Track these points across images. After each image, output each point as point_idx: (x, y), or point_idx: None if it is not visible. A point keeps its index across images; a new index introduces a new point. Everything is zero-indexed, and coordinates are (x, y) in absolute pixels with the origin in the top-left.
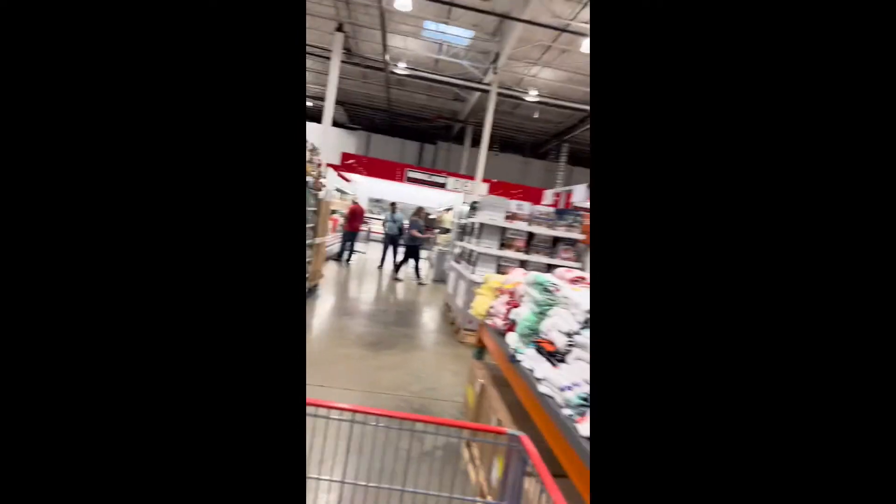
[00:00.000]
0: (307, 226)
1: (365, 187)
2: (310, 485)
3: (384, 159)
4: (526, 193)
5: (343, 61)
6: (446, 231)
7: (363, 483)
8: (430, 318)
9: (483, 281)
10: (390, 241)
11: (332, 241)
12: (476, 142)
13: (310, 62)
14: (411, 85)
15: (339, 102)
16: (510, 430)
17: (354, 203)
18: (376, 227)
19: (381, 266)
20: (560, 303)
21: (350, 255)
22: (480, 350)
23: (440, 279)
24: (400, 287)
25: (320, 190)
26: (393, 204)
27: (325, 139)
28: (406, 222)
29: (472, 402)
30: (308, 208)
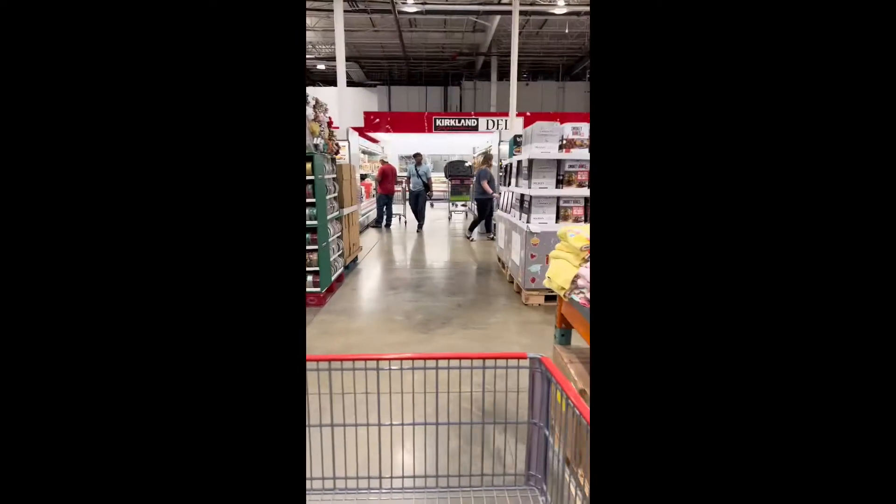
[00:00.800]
0: (329, 196)
1: (394, 145)
2: (353, 432)
3: (408, 112)
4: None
5: (347, 10)
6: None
7: (398, 423)
8: (482, 280)
9: (559, 238)
10: (415, 198)
11: (369, 208)
12: (503, 75)
13: (313, 18)
14: (424, 23)
15: (352, 59)
16: (531, 354)
17: (384, 163)
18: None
19: (419, 228)
20: None
21: (388, 220)
22: (565, 332)
23: (468, 235)
24: (443, 247)
25: (336, 153)
26: (417, 155)
27: (341, 99)
28: (431, 175)
29: (564, 408)
30: (326, 175)
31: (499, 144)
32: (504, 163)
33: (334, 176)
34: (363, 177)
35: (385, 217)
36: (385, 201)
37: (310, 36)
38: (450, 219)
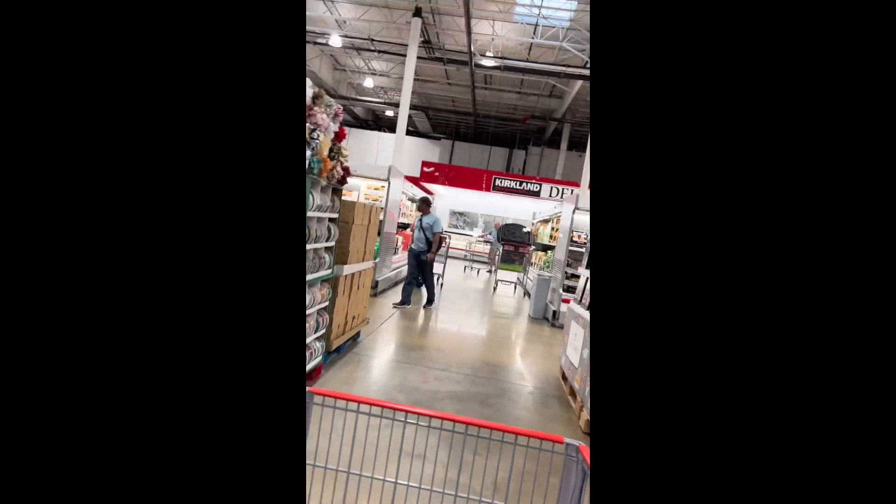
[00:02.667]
0: (317, 242)
1: (447, 199)
2: (368, 484)
3: (468, 167)
4: None
5: (421, 57)
6: (545, 248)
7: (416, 485)
8: (537, 411)
9: None
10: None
11: (401, 263)
12: (574, 145)
13: (389, 64)
14: (500, 81)
15: (420, 108)
16: (568, 439)
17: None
18: (457, 242)
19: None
20: None
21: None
22: None
23: (542, 316)
24: (481, 335)
25: (343, 181)
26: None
27: (399, 145)
28: (441, 228)
29: None
30: (315, 213)
31: (573, 213)
32: (583, 236)
33: (334, 216)
34: (403, 226)
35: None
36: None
37: (383, 81)
38: (494, 289)
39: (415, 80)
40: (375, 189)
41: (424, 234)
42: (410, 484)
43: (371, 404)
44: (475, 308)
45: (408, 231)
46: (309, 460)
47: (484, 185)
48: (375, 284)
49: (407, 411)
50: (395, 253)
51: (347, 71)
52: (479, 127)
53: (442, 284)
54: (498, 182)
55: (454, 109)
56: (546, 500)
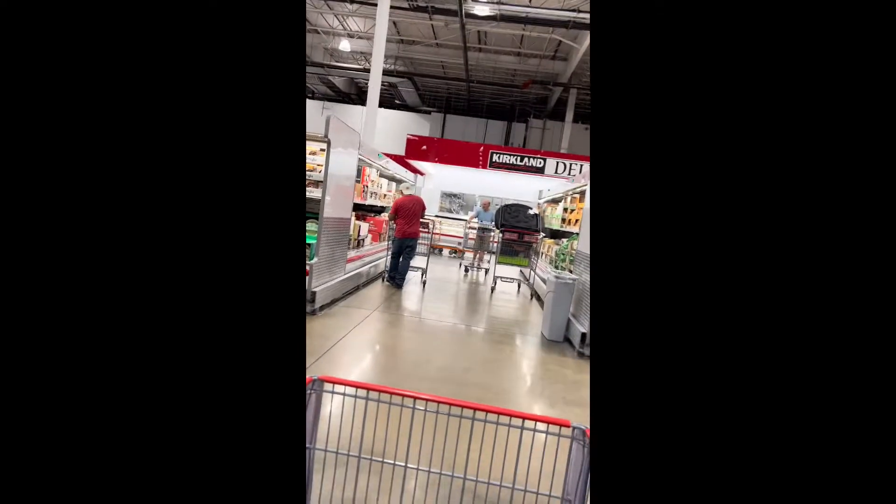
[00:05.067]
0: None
1: (437, 179)
2: (378, 468)
3: (461, 141)
4: None
5: (399, 7)
6: (556, 235)
7: (425, 469)
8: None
9: None
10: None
11: (374, 256)
12: (580, 116)
13: (363, 21)
14: (496, 40)
15: (405, 74)
16: (574, 423)
17: (404, 195)
18: (450, 228)
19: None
20: None
21: (398, 277)
22: None
23: (562, 338)
24: (469, 377)
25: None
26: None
27: (371, 115)
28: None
29: None
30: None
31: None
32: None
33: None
34: (378, 211)
35: (395, 271)
36: (399, 248)
37: (363, 45)
38: (493, 289)
39: (398, 41)
40: (310, 154)
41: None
42: (420, 468)
43: (379, 391)
44: (464, 318)
45: (382, 216)
46: (319, 445)
47: (480, 162)
48: (313, 297)
49: (414, 397)
50: (358, 246)
51: (320, 32)
52: (474, 98)
53: (425, 282)
54: (496, 157)
55: (444, 76)
56: (553, 482)
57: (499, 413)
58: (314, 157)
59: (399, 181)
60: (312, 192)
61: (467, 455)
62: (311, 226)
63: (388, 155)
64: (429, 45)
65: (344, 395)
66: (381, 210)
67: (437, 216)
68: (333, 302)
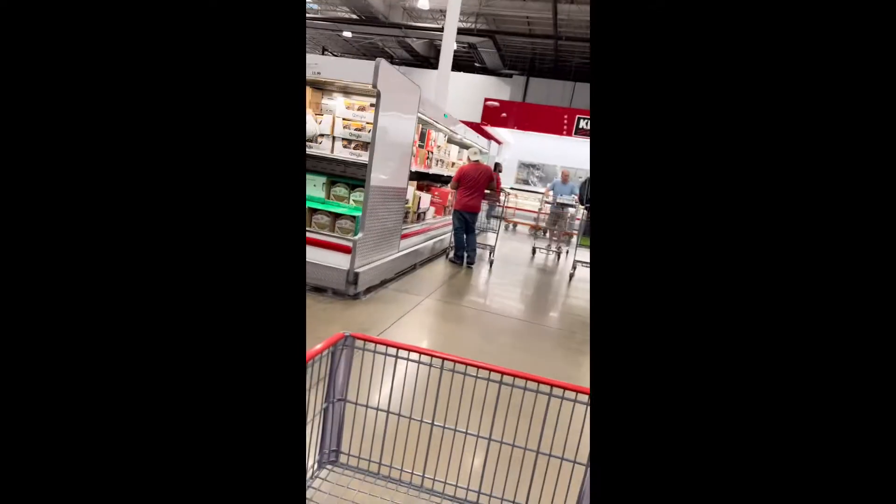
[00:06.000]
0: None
1: (515, 148)
2: (406, 423)
3: (545, 104)
4: None
5: None
6: None
7: (462, 430)
8: None
9: None
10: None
11: (439, 229)
12: None
13: None
14: None
15: (486, 33)
16: None
17: (472, 161)
18: (525, 202)
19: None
20: None
21: (470, 253)
22: None
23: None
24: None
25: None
26: None
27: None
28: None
29: None
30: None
31: None
32: None
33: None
34: (445, 181)
35: (459, 248)
36: (461, 222)
37: (442, 2)
38: (571, 276)
39: None
40: (359, 109)
41: None
42: (447, 426)
43: (408, 349)
44: (535, 312)
45: (446, 187)
46: (351, 398)
47: (565, 128)
48: (354, 279)
49: (443, 358)
50: (419, 220)
51: None
52: (562, 58)
53: (492, 262)
54: (584, 123)
55: (530, 33)
56: (579, 449)
57: (527, 379)
58: (363, 112)
59: (468, 146)
60: (361, 156)
61: (493, 419)
62: (357, 195)
63: (463, 122)
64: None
65: (374, 352)
66: (448, 180)
67: (511, 189)
68: (384, 283)
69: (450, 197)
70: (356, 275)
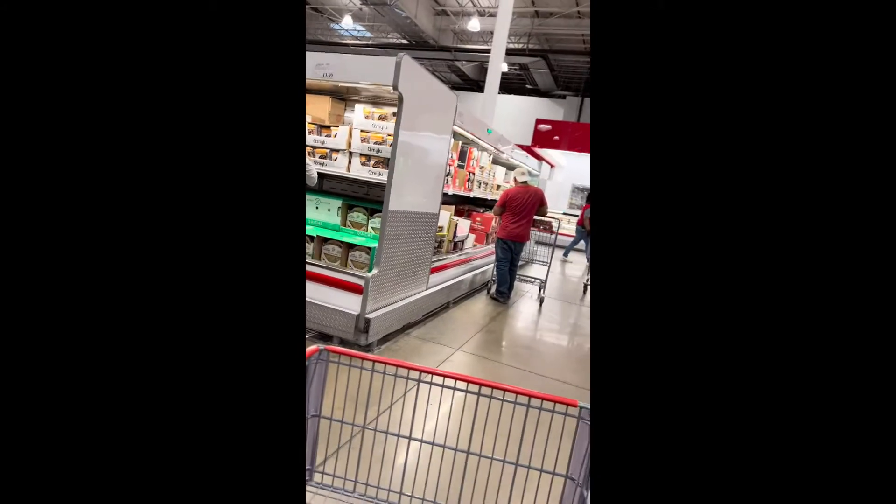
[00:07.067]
0: None
1: (566, 170)
2: (399, 442)
3: None
4: None
5: None
6: None
7: (440, 444)
8: None
9: None
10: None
11: (479, 261)
12: None
13: None
14: None
15: (539, 53)
16: (581, 402)
17: (520, 182)
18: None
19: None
20: None
21: (504, 287)
22: None
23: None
24: None
25: None
26: None
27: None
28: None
29: None
30: None
31: None
32: None
33: None
34: (489, 206)
35: (501, 281)
36: (506, 253)
37: (492, 24)
38: None
39: (532, 14)
40: (380, 119)
41: None
42: (424, 440)
43: (384, 363)
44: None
45: (488, 212)
46: (325, 414)
47: None
48: (366, 326)
49: (420, 370)
50: (455, 249)
51: (450, 14)
52: None
53: (542, 300)
54: None
55: (585, 51)
56: (558, 460)
57: (507, 390)
58: (384, 122)
59: (514, 167)
60: (381, 175)
61: (471, 431)
62: (376, 222)
63: (518, 146)
64: (568, 16)
65: (350, 365)
66: (492, 205)
67: (564, 214)
68: (406, 329)
69: (493, 223)
70: (367, 321)
